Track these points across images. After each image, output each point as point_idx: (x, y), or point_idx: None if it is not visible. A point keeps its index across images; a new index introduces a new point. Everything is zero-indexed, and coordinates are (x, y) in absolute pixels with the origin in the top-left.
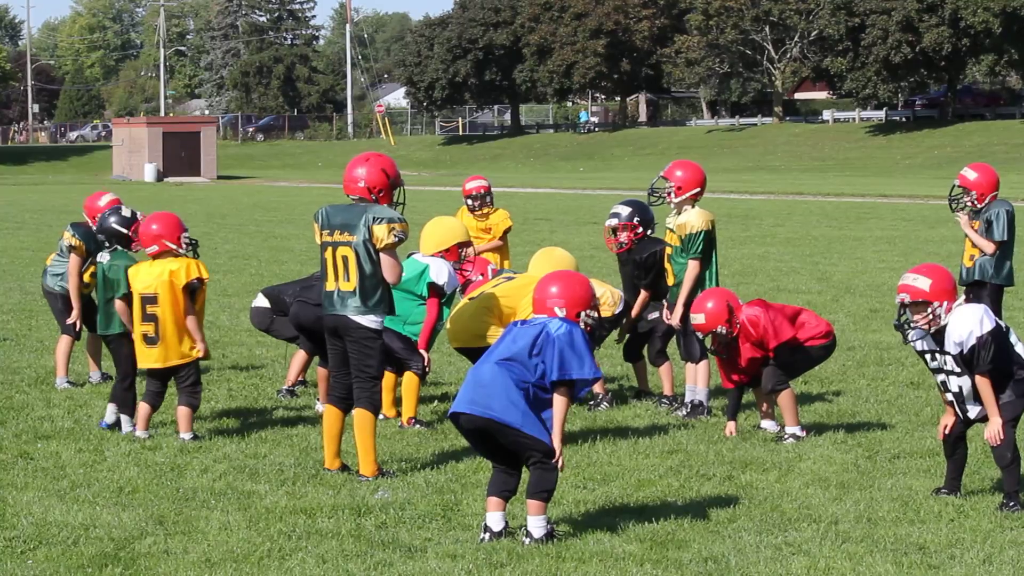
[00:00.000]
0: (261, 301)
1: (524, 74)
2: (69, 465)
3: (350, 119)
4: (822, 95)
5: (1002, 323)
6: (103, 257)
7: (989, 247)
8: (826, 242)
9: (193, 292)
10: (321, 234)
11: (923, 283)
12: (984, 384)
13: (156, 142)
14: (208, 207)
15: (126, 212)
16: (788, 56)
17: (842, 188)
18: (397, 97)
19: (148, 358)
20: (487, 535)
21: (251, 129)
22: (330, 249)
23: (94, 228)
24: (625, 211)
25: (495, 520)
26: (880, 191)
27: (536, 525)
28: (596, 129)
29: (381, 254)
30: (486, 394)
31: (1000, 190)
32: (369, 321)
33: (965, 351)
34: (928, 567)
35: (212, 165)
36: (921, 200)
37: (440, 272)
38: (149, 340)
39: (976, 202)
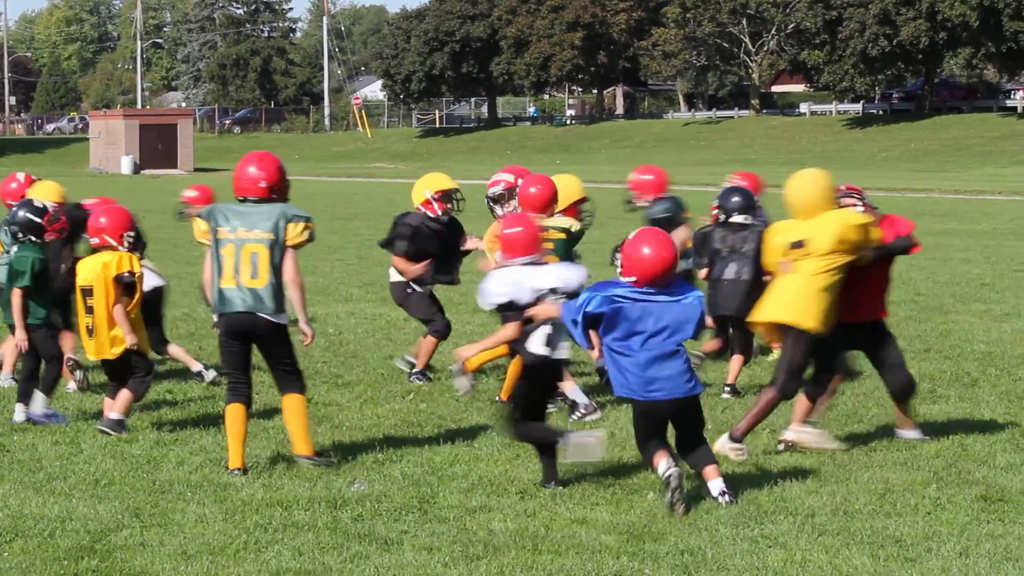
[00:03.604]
0: None
1: (501, 67)
2: (45, 457)
3: (327, 112)
4: (799, 88)
5: None
6: (12, 249)
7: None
8: None
9: (126, 286)
10: (218, 231)
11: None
12: None
13: (133, 134)
14: None
15: (38, 203)
16: (765, 49)
17: None
18: (374, 90)
19: (89, 350)
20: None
21: (228, 121)
22: (231, 245)
23: (8, 213)
24: None
25: (717, 486)
26: (857, 184)
27: (720, 487)
28: (573, 122)
29: (287, 251)
30: (678, 373)
31: (979, 180)
32: (282, 319)
33: None
34: (905, 560)
35: (189, 157)
36: (898, 193)
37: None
38: (90, 332)
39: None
